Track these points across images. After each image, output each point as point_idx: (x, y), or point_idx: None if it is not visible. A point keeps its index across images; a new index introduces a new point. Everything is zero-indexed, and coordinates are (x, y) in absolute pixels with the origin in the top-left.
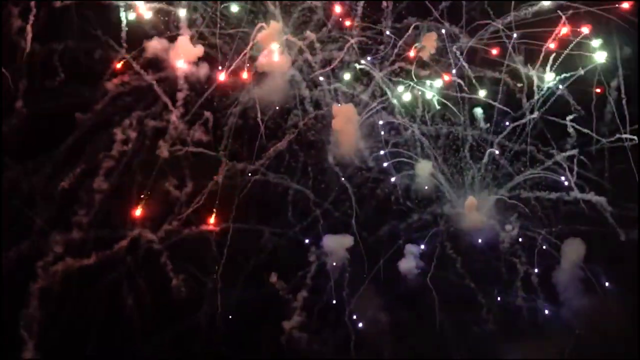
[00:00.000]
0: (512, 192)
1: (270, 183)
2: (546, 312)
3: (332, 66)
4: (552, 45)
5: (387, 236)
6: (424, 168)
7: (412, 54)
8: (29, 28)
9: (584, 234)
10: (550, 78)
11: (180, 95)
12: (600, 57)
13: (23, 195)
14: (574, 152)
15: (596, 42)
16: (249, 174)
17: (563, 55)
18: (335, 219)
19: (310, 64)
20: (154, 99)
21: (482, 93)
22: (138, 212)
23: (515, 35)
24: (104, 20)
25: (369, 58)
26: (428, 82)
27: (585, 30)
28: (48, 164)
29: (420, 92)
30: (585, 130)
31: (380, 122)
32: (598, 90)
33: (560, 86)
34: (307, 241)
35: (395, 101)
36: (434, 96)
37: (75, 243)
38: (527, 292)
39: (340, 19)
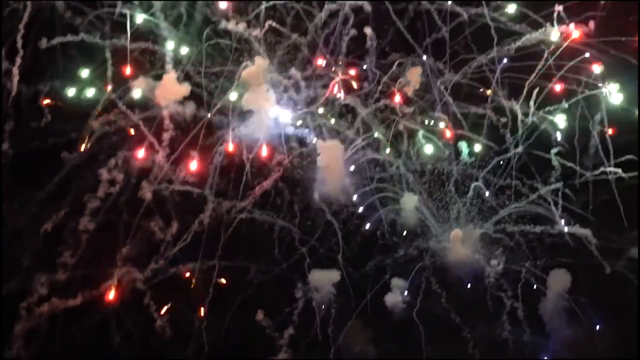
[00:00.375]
0: (497, 225)
1: (256, 220)
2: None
3: (317, 104)
4: (557, 87)
5: (374, 271)
6: (409, 201)
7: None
8: (15, 70)
9: (569, 266)
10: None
11: (165, 136)
12: (616, 99)
13: (7, 236)
14: (558, 185)
15: (613, 87)
16: (235, 212)
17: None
18: (322, 255)
19: (295, 102)
20: (140, 138)
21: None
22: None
23: (499, 70)
24: (90, 60)
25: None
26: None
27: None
28: (34, 204)
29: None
30: (569, 164)
31: (365, 159)
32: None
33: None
34: (293, 277)
35: (380, 136)
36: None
37: (61, 283)
38: (514, 326)
39: (325, 58)
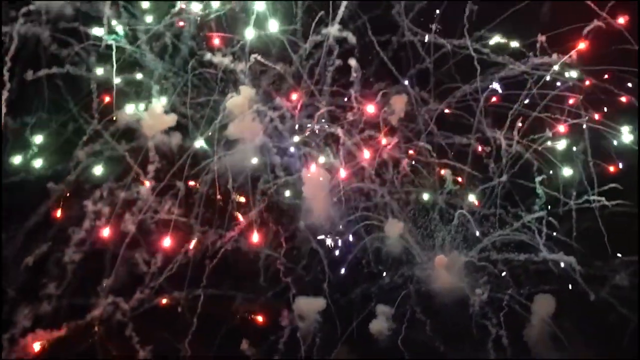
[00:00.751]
0: (482, 253)
1: (241, 249)
2: None
3: (303, 134)
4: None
5: (359, 298)
6: (394, 227)
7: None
8: (2, 103)
9: (553, 293)
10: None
11: (151, 168)
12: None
13: None
14: (542, 213)
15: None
16: (221, 243)
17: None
18: (307, 283)
19: (280, 131)
20: (125, 169)
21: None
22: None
23: (482, 99)
24: (75, 91)
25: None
26: None
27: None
28: (19, 236)
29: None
30: (553, 193)
31: (350, 187)
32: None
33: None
34: (279, 305)
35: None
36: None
37: (46, 315)
38: (498, 352)
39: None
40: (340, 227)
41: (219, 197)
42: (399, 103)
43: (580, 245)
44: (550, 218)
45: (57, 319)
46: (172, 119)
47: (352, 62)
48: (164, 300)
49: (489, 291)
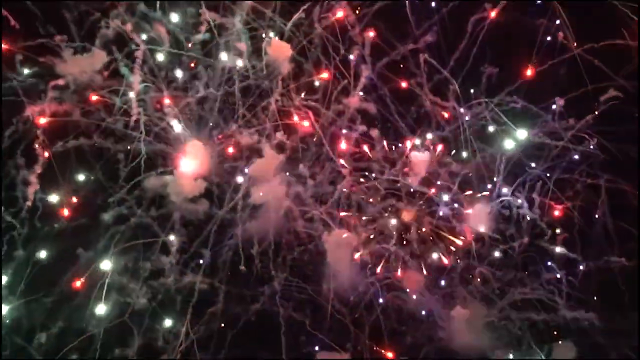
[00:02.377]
0: (502, 312)
1: (267, 311)
2: None
3: (327, 205)
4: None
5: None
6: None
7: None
8: (33, 179)
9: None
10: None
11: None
12: None
13: None
14: (562, 273)
15: None
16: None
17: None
18: (332, 346)
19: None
20: (152, 236)
21: None
22: None
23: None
24: (102, 161)
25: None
26: None
27: None
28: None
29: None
30: (573, 255)
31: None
32: None
33: None
34: None
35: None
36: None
37: None
38: None
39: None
40: (361, 287)
41: (242, 268)
42: (419, 165)
43: (599, 302)
44: (570, 277)
45: None
46: (200, 185)
47: (374, 132)
48: None
49: (511, 350)
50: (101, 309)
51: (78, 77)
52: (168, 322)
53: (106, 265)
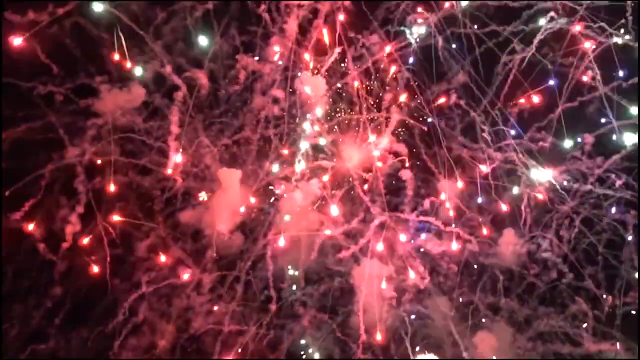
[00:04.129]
0: (528, 343)
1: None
2: None
3: (358, 245)
4: None
5: None
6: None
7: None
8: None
9: None
10: None
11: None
12: None
13: None
14: (586, 308)
15: None
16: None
17: None
18: None
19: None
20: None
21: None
22: None
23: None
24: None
25: None
26: None
27: None
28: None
29: None
30: (596, 312)
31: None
32: None
33: None
34: None
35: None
36: None
37: None
38: None
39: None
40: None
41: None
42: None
43: (623, 334)
44: (595, 311)
45: None
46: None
47: (406, 173)
48: None
49: None
50: None
51: (118, 117)
52: None
53: None
